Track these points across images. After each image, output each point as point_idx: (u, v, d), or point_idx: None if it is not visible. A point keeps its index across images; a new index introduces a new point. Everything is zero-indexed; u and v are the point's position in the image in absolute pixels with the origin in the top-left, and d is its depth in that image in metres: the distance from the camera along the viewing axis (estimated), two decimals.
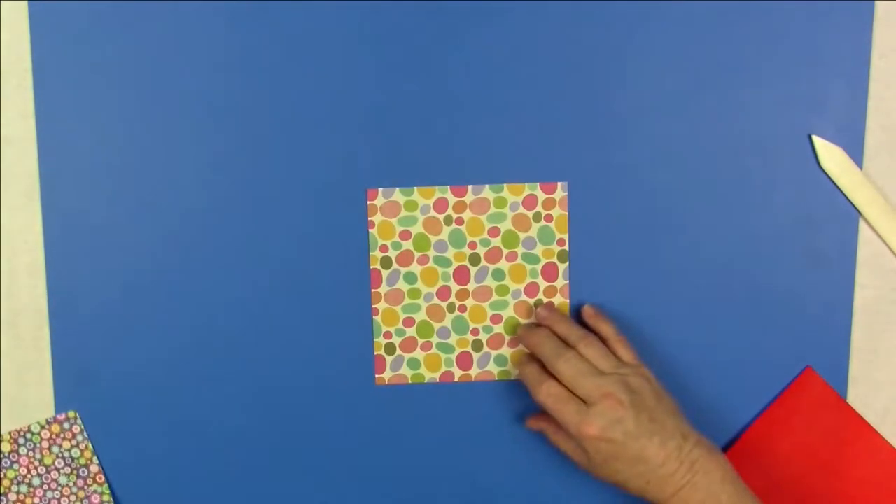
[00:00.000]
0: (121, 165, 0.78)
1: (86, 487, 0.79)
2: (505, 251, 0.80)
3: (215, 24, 0.77)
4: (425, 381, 0.81)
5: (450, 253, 0.80)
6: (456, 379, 0.82)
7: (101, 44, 0.77)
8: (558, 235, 0.80)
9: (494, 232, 0.80)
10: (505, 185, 0.80)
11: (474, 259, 0.80)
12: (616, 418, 0.71)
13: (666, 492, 0.71)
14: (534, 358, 0.77)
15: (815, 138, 0.79)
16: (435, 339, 0.81)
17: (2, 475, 0.78)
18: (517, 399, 0.81)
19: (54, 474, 0.79)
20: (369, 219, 0.80)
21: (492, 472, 0.81)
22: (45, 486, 0.79)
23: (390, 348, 0.81)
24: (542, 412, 0.78)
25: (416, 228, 0.80)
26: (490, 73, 0.78)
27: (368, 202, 0.79)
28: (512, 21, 0.78)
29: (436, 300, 0.81)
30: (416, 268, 0.80)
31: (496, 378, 0.81)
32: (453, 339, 0.81)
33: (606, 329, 0.78)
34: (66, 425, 0.79)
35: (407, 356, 0.81)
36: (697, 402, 0.80)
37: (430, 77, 0.78)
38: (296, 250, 0.79)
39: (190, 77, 0.78)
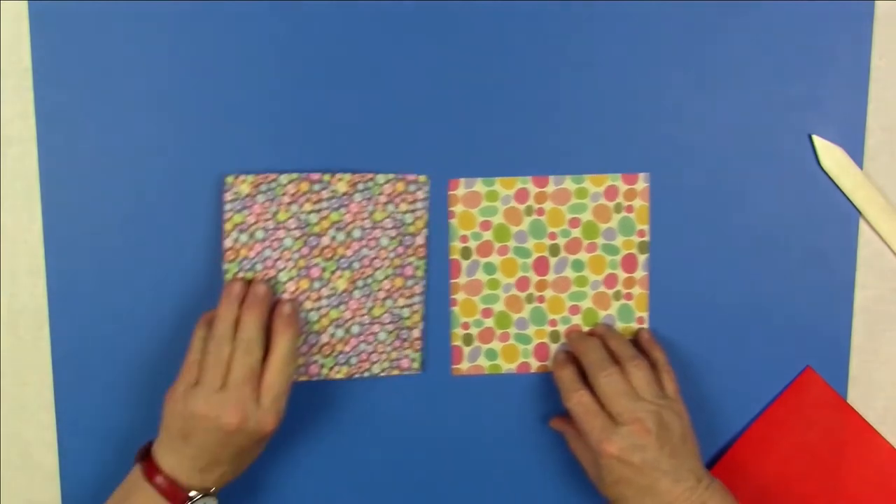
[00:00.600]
0: (121, 165, 0.78)
1: (405, 255, 0.79)
2: (585, 242, 0.80)
3: (220, 24, 0.77)
4: (502, 371, 0.81)
5: (530, 243, 0.80)
6: (533, 370, 0.81)
7: (101, 44, 0.77)
8: (639, 227, 0.80)
9: (575, 223, 0.80)
10: (586, 175, 0.79)
11: (554, 250, 0.80)
12: (639, 444, 0.71)
13: None
14: (570, 362, 0.77)
15: (815, 138, 0.79)
16: (513, 330, 0.81)
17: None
18: None
19: (377, 232, 0.78)
20: (450, 209, 0.80)
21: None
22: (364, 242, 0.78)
23: (468, 339, 0.81)
24: (566, 414, 0.78)
25: (497, 219, 0.80)
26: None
27: (449, 192, 0.79)
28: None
29: (514, 291, 0.81)
30: (495, 258, 0.80)
31: None
32: (531, 331, 0.81)
33: (658, 356, 0.77)
34: (413, 187, 0.78)
35: (484, 347, 0.81)
36: (697, 402, 0.80)
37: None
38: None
39: (191, 77, 0.78)
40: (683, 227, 0.80)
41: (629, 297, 0.81)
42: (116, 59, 0.77)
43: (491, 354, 0.81)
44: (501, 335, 0.81)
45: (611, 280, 0.81)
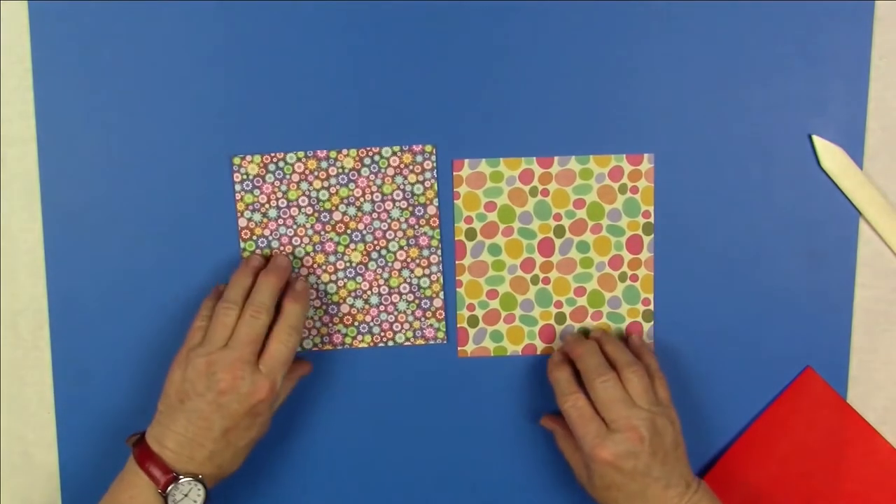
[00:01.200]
0: (121, 165, 0.78)
1: (418, 226, 0.79)
2: (590, 223, 0.80)
3: (217, 24, 0.77)
4: (508, 353, 0.81)
5: (535, 225, 0.80)
6: (539, 352, 0.81)
7: (101, 44, 0.77)
8: (644, 207, 0.80)
9: (580, 204, 0.80)
10: (591, 156, 0.79)
11: (559, 231, 0.80)
12: (632, 451, 0.71)
13: None
14: (566, 363, 0.77)
15: (815, 138, 0.79)
16: (518, 312, 0.81)
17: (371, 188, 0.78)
18: None
19: (388, 204, 0.79)
20: (455, 190, 0.79)
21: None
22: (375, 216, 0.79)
23: (473, 320, 0.81)
24: (557, 413, 0.78)
25: (502, 200, 0.80)
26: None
27: (454, 173, 0.79)
28: None
29: (520, 272, 0.81)
30: (500, 239, 0.80)
31: None
32: (536, 312, 0.81)
33: (650, 361, 0.77)
34: (420, 158, 0.78)
35: (490, 328, 0.81)
36: (697, 401, 0.80)
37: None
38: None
39: (191, 77, 0.78)
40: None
41: (635, 278, 0.80)
42: (116, 59, 0.77)
43: (496, 336, 0.81)
44: (507, 317, 0.81)
45: (616, 261, 0.80)
